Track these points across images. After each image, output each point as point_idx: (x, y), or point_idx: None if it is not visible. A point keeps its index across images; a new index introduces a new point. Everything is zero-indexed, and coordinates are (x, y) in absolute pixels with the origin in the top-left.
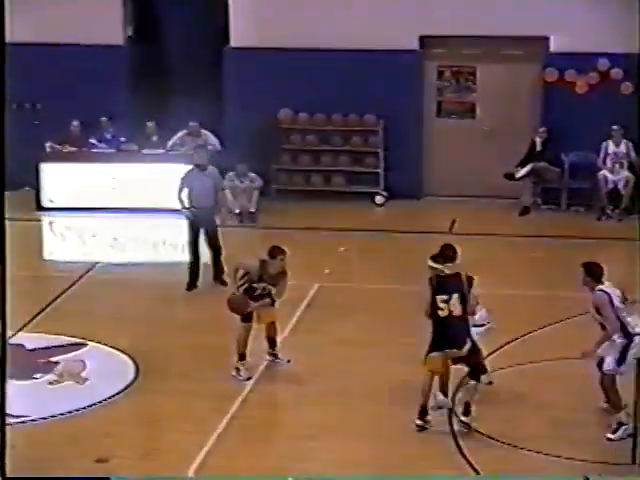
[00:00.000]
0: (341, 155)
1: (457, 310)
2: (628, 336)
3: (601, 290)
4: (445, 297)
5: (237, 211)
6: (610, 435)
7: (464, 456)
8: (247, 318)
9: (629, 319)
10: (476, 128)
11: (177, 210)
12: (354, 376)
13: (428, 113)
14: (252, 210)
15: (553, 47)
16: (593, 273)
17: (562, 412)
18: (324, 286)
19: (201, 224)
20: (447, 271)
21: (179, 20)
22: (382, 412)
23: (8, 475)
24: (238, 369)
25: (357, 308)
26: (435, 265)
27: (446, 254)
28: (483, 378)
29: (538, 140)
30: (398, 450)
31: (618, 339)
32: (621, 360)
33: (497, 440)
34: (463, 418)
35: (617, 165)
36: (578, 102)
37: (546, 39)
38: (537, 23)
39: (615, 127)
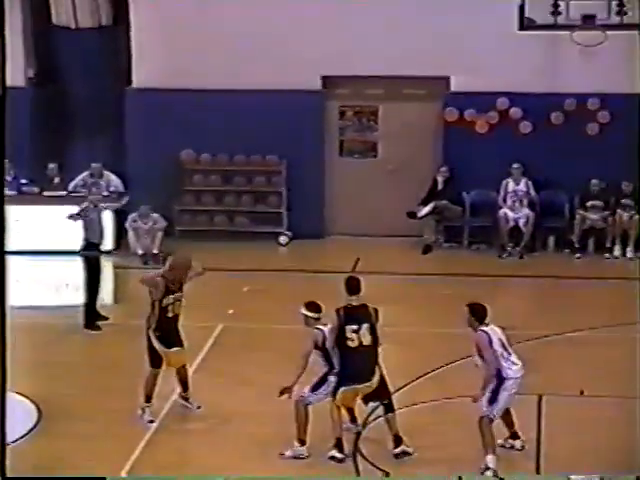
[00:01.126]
0: (244, 195)
1: (367, 340)
2: (500, 378)
3: (482, 330)
4: (355, 327)
5: (140, 252)
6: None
7: None
8: (156, 364)
9: (504, 363)
10: (378, 167)
11: (79, 252)
12: (257, 417)
13: (330, 153)
14: (155, 251)
15: (453, 86)
16: (477, 314)
17: (462, 450)
18: (228, 326)
19: (93, 263)
20: (354, 303)
21: (81, 61)
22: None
23: (8, 475)
24: (144, 410)
25: (261, 348)
26: (308, 313)
27: (351, 285)
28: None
29: (440, 179)
30: None
31: (491, 381)
32: (493, 401)
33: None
34: (397, 450)
35: (517, 203)
36: (478, 141)
37: (447, 79)
38: (438, 63)
39: (515, 165)
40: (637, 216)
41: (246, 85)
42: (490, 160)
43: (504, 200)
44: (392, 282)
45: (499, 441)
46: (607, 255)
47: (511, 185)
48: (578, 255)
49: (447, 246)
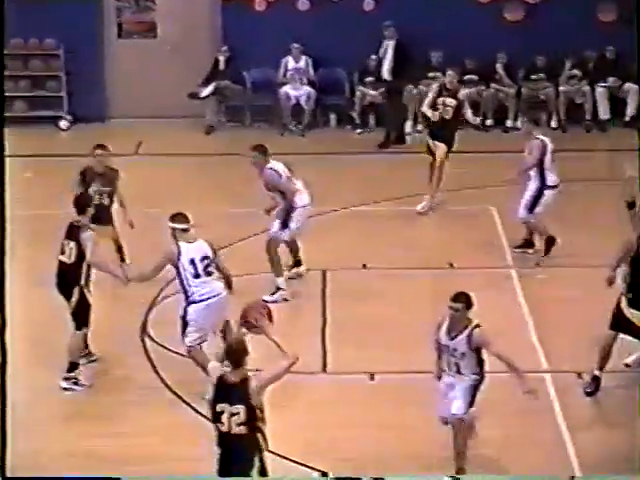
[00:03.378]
0: (21, 80)
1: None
2: (291, 207)
3: (270, 168)
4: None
5: None
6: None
7: None
8: None
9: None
10: (158, 48)
11: None
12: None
13: (109, 35)
14: None
15: None
16: (263, 151)
17: None
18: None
19: None
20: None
21: None
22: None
23: (8, 475)
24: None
25: (47, 236)
26: (176, 225)
27: None
28: None
29: (221, 58)
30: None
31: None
32: (284, 226)
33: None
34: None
35: (297, 81)
36: (257, 19)
37: None
38: None
39: (295, 44)
40: (416, 90)
41: None
42: (269, 38)
43: (284, 78)
44: (176, 163)
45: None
46: None
47: (291, 63)
48: (359, 131)
49: (230, 126)
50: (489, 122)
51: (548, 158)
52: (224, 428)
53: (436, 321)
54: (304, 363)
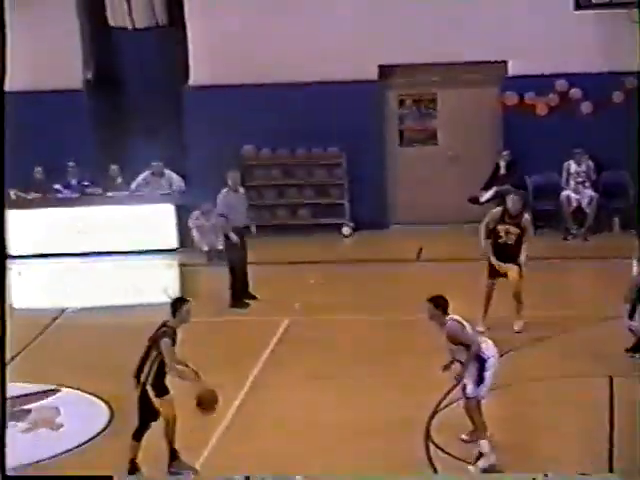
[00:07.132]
0: (306, 188)
1: None
2: (480, 359)
3: (452, 319)
4: None
5: (205, 249)
6: (471, 467)
7: None
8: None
9: (483, 345)
10: (439, 154)
11: (143, 252)
12: (325, 410)
13: (391, 142)
14: (220, 247)
15: (511, 70)
16: (440, 305)
17: None
18: (295, 320)
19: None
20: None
21: (137, 61)
22: (362, 446)
23: (8, 475)
24: None
25: (327, 341)
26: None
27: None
28: None
29: (502, 163)
30: None
31: (472, 364)
32: (479, 382)
33: None
34: None
35: (580, 185)
36: (539, 124)
37: (504, 63)
38: (494, 48)
39: (576, 150)
40: None
41: (303, 77)
42: (551, 142)
43: (567, 182)
44: (456, 269)
45: (463, 436)
46: None
47: (573, 167)
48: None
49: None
50: None
51: None
52: None
53: None
54: None
